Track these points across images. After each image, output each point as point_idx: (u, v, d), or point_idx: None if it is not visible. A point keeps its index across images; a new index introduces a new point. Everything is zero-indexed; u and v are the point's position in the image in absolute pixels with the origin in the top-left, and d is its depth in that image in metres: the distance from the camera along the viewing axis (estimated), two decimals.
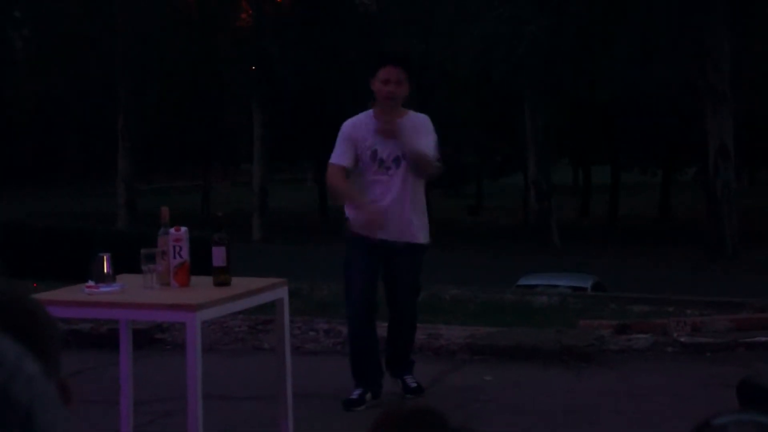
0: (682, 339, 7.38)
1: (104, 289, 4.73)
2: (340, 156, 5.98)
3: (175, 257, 4.84)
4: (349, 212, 6.05)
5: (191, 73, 42.71)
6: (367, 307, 6.05)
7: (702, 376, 6.62)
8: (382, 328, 6.23)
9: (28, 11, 42.55)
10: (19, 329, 1.34)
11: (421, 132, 5.98)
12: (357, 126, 6.03)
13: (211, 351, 6.90)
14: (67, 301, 4.63)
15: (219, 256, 4.92)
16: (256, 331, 7.72)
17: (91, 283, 4.76)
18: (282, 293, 5.13)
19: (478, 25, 34.99)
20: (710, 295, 17.38)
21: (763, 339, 7.28)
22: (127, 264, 5.14)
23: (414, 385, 6.13)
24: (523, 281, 21.30)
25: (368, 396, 6.01)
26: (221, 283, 4.89)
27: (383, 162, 5.93)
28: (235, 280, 4.97)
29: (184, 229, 4.91)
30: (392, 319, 6.22)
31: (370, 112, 6.08)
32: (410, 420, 1.52)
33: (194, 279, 4.90)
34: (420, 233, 6.11)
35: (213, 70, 43.26)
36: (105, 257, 4.79)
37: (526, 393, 6.35)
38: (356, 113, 6.19)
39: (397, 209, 5.94)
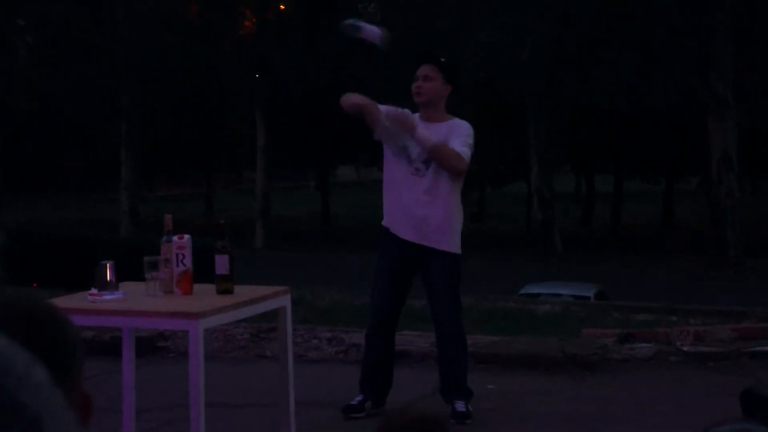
0: (685, 348, 7.37)
1: (107, 296, 4.73)
2: (383, 107, 5.91)
3: (178, 265, 4.84)
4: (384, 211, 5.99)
5: (194, 80, 42.72)
6: (382, 317, 5.99)
7: (705, 385, 6.61)
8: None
9: (31, 19, 42.61)
10: (37, 340, 1.34)
11: (453, 133, 5.89)
12: (402, 111, 5.93)
13: (214, 359, 6.90)
14: (70, 308, 4.63)
15: (222, 264, 4.92)
16: (259, 339, 7.72)
17: (94, 290, 4.77)
18: (285, 301, 5.13)
19: (481, 33, 35.03)
20: (713, 304, 17.36)
21: (767, 348, 7.27)
22: (130, 272, 5.15)
23: (461, 409, 5.84)
24: (526, 290, 21.29)
25: (368, 404, 5.98)
26: (224, 291, 4.89)
27: (412, 160, 5.86)
28: (237, 288, 4.97)
29: (187, 236, 4.91)
30: (437, 337, 6.08)
31: (417, 113, 6.02)
32: (411, 428, 1.52)
33: (197, 287, 4.91)
34: (449, 240, 5.94)
35: (216, 78, 43.28)
36: (108, 265, 4.80)
37: (530, 401, 6.35)
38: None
39: (424, 212, 5.84)
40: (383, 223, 6.03)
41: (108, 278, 4.77)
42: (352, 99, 5.90)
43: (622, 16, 33.28)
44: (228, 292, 4.90)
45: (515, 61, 33.39)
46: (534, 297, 18.87)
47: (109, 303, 4.70)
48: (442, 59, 6.14)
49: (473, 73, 38.07)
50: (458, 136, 5.86)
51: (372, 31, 5.91)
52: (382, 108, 5.85)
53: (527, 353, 7.20)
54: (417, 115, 5.99)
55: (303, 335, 7.45)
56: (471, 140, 5.93)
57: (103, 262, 4.81)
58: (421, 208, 5.83)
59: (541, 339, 8.03)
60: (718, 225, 33.06)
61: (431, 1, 39.82)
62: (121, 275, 4.86)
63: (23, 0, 39.08)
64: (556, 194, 37.31)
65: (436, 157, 5.79)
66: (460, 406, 5.85)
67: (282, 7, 41.91)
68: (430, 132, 5.85)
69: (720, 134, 32.86)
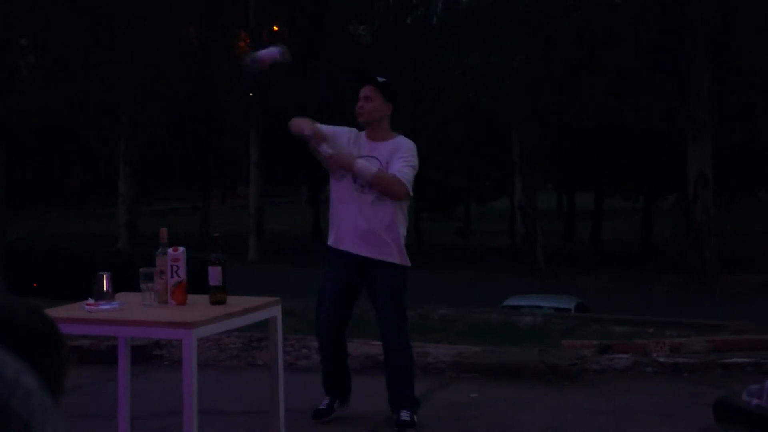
0: (662, 359, 7.38)
1: (104, 306, 4.72)
2: (327, 128, 5.94)
3: (172, 276, 4.84)
4: (330, 229, 5.97)
5: (191, 99, 42.76)
6: (330, 327, 5.96)
7: (680, 395, 6.62)
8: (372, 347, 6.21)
9: (33, 38, 42.60)
10: (23, 346, 1.34)
11: (396, 153, 5.83)
12: (347, 133, 5.94)
13: (207, 367, 6.88)
14: (68, 318, 4.62)
15: (215, 275, 4.92)
16: (251, 348, 7.71)
17: (91, 300, 4.76)
18: (276, 312, 5.13)
19: (468, 57, 35.16)
20: (689, 317, 17.41)
21: (740, 360, 7.28)
22: (126, 283, 5.14)
23: (406, 418, 5.78)
24: (508, 302, 21.30)
25: (336, 404, 6.01)
26: (217, 302, 4.89)
27: (356, 178, 5.81)
28: (230, 298, 4.97)
29: (181, 249, 4.90)
30: (384, 348, 6.01)
31: (363, 132, 6.00)
32: None
33: (191, 297, 4.90)
34: (394, 253, 5.85)
35: (212, 97, 43.32)
36: (105, 276, 4.79)
37: (511, 410, 6.34)
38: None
39: (368, 226, 5.79)
40: (328, 243, 5.96)
41: (105, 289, 4.77)
42: (298, 125, 5.87)
43: (604, 41, 33.42)
44: (221, 302, 4.89)
45: (501, 84, 33.51)
46: (516, 309, 18.90)
47: (105, 313, 4.69)
48: (381, 79, 6.05)
49: (460, 94, 38.26)
50: (400, 158, 5.80)
51: (268, 52, 5.84)
52: (323, 147, 5.81)
53: (509, 363, 7.20)
54: (363, 133, 5.95)
55: (293, 345, 7.43)
56: (414, 159, 5.86)
57: (101, 273, 4.81)
58: (366, 221, 5.78)
59: (523, 349, 8.03)
60: (695, 241, 33.17)
61: (420, 24, 39.97)
62: (117, 286, 4.85)
63: (26, 20, 39.06)
64: (538, 211, 37.38)
65: (378, 188, 5.74)
66: (404, 415, 5.80)
67: (275, 28, 41.97)
68: (374, 151, 5.82)
69: (697, 154, 33.01)
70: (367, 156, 5.85)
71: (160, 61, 41.29)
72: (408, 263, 5.93)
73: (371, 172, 5.74)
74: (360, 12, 41.41)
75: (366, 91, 5.93)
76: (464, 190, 46.80)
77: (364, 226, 5.79)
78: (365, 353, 7.41)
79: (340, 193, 5.89)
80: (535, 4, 33.14)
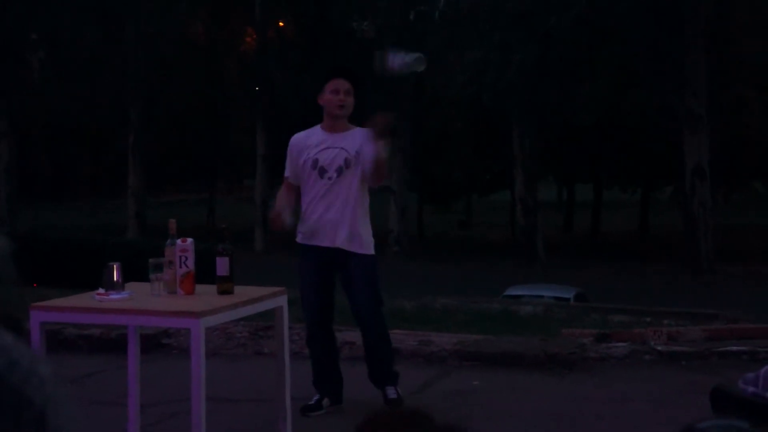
0: (659, 348, 7.38)
1: (114, 296, 4.73)
2: (287, 169, 5.93)
3: (181, 267, 4.84)
4: (299, 226, 5.92)
5: (198, 94, 42.75)
6: (317, 318, 5.96)
7: (677, 382, 6.62)
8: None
9: (44, 34, 42.59)
10: None
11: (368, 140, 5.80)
12: (302, 139, 5.91)
13: (215, 355, 6.89)
14: (79, 307, 4.63)
15: (223, 266, 4.93)
16: (257, 336, 7.71)
17: (101, 290, 4.76)
18: (282, 301, 5.13)
19: (469, 52, 35.10)
20: (686, 306, 17.40)
21: (735, 348, 7.28)
22: (136, 273, 5.15)
23: (393, 396, 5.89)
24: (509, 292, 21.28)
25: (325, 401, 5.96)
26: (224, 292, 4.89)
27: (325, 172, 5.77)
28: (237, 288, 4.97)
29: (190, 240, 4.91)
30: (362, 335, 6.05)
31: (318, 126, 5.95)
32: (398, 420, 1.51)
33: (199, 287, 4.90)
34: (365, 243, 5.85)
35: (219, 92, 43.29)
36: (115, 266, 4.79)
37: (512, 397, 6.35)
38: None
39: (339, 218, 5.76)
40: (299, 240, 5.91)
41: (115, 279, 4.77)
42: (275, 226, 5.79)
43: (603, 37, 33.37)
44: (228, 292, 4.90)
45: (501, 79, 33.44)
46: (517, 298, 18.89)
47: (115, 302, 4.69)
48: (354, 72, 6.04)
49: (462, 89, 38.19)
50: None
51: (400, 60, 5.67)
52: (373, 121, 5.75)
53: (510, 352, 7.20)
54: (318, 126, 5.92)
55: (299, 333, 7.42)
56: None
57: (111, 264, 4.81)
58: (336, 215, 5.75)
59: (523, 338, 8.03)
60: (691, 232, 33.15)
61: (421, 21, 39.89)
62: (127, 276, 4.86)
63: (36, 16, 39.03)
64: (538, 203, 37.34)
65: (378, 171, 5.71)
66: (391, 392, 5.89)
67: (281, 24, 41.92)
68: (338, 142, 5.78)
69: (694, 147, 32.97)
70: (331, 147, 5.80)
71: (168, 57, 41.26)
72: (374, 251, 5.94)
73: (383, 156, 5.69)
74: (363, 8, 41.32)
75: (347, 85, 5.88)
76: (465, 182, 46.77)
77: (334, 220, 5.77)
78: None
79: (310, 192, 5.82)
80: (534, 1, 33.08)
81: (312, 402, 5.95)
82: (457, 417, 6.01)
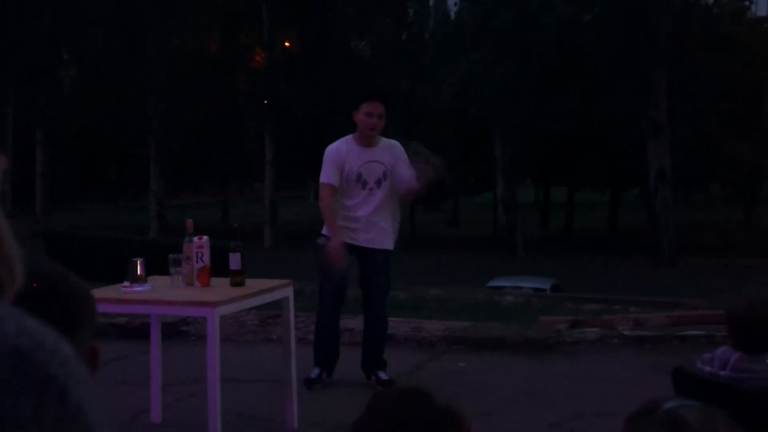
0: (626, 332, 7.38)
1: (137, 288, 4.73)
2: (330, 176, 5.87)
3: (197, 262, 4.84)
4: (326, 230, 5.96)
5: (213, 106, 42.70)
6: (336, 305, 6.01)
7: (643, 364, 6.62)
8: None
9: (74, 53, 42.55)
10: (51, 302, 1.35)
11: (402, 160, 5.86)
12: (341, 152, 5.91)
13: (228, 341, 6.88)
14: (106, 298, 4.63)
15: (235, 260, 4.93)
16: (266, 324, 7.71)
17: (126, 283, 4.76)
18: (288, 292, 5.13)
19: (456, 67, 35.10)
20: (651, 295, 17.41)
21: (694, 333, 7.29)
22: (157, 267, 5.14)
23: (385, 378, 5.91)
24: (492, 283, 21.31)
25: (324, 375, 6.01)
26: (237, 284, 4.89)
27: (366, 183, 5.86)
28: (248, 281, 4.98)
29: (205, 238, 4.91)
30: (369, 319, 6.06)
31: (349, 137, 5.96)
32: (402, 397, 1.52)
33: (214, 280, 4.91)
34: (391, 241, 6.00)
35: (231, 104, 43.25)
36: (138, 261, 4.80)
37: (495, 378, 6.35)
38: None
39: (375, 220, 5.88)
40: (327, 234, 5.91)
41: (138, 273, 4.77)
42: (337, 260, 5.78)
43: (575, 54, 33.39)
44: (240, 284, 4.90)
45: (484, 92, 33.46)
46: (499, 289, 18.89)
47: (139, 294, 4.69)
48: (389, 97, 6.16)
49: (449, 101, 38.21)
50: (406, 162, 5.84)
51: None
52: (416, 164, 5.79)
53: (493, 337, 7.20)
54: (351, 138, 5.94)
55: (304, 321, 7.42)
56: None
57: (135, 259, 4.81)
58: (372, 218, 5.86)
59: (505, 325, 8.03)
60: (655, 229, 33.21)
61: (413, 40, 39.90)
62: (149, 270, 4.86)
63: (68, 37, 39.00)
64: (518, 203, 37.36)
65: (409, 195, 5.98)
66: (383, 374, 5.95)
67: (287, 44, 41.90)
68: (375, 156, 5.87)
69: (657, 153, 33.01)
70: (371, 161, 5.87)
71: (186, 73, 41.22)
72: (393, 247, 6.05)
73: (419, 186, 5.81)
74: (361, 28, 41.30)
75: (381, 108, 5.88)
76: (453, 185, 46.77)
77: (375, 222, 5.89)
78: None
79: (352, 198, 5.90)
80: (514, 22, 33.08)
81: (313, 376, 5.97)
82: (446, 395, 6.00)
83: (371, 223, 5.87)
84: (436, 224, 47.35)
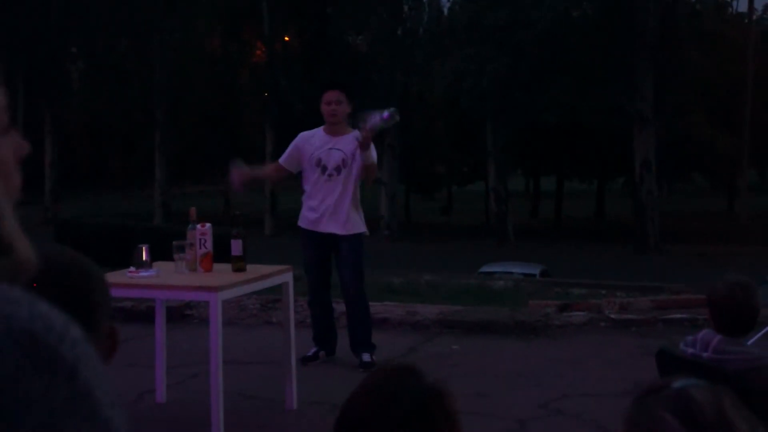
0: (613, 316, 7.40)
1: (143, 273, 4.73)
2: (283, 157, 6.10)
3: (201, 248, 4.85)
4: (301, 211, 6.04)
5: (215, 99, 42.63)
6: (320, 287, 6.07)
7: (628, 346, 6.64)
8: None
9: (82, 48, 42.45)
10: (69, 285, 1.35)
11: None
12: (306, 138, 6.01)
13: (230, 324, 6.89)
14: (114, 283, 4.62)
15: (237, 247, 4.93)
16: (267, 308, 7.71)
17: (132, 269, 4.76)
18: (288, 278, 5.14)
19: (449, 62, 35.04)
20: (636, 281, 17.43)
21: (678, 316, 7.31)
22: (162, 253, 5.14)
23: (367, 360, 5.90)
24: (484, 269, 21.30)
25: (322, 353, 6.07)
26: (238, 270, 4.90)
27: (326, 169, 5.89)
28: (249, 267, 4.98)
29: (208, 225, 4.92)
30: (346, 303, 6.11)
31: (322, 126, 6.04)
32: (392, 374, 1.53)
33: (216, 266, 4.91)
34: (358, 224, 5.97)
35: (232, 97, 43.18)
36: (144, 248, 4.79)
37: (486, 359, 6.36)
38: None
39: (337, 207, 5.88)
40: (301, 224, 6.05)
41: (144, 258, 4.77)
42: (236, 181, 6.05)
43: (564, 49, 33.35)
44: (241, 270, 4.91)
45: (477, 85, 33.41)
46: (490, 275, 18.89)
47: (144, 279, 4.69)
48: (343, 83, 6.15)
49: (442, 94, 38.17)
50: (373, 149, 5.87)
51: (372, 119, 5.69)
52: (367, 121, 5.78)
53: (485, 320, 7.21)
54: (321, 129, 5.99)
55: (303, 305, 7.43)
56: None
57: (140, 246, 4.81)
58: (332, 205, 5.87)
59: (496, 308, 8.04)
60: (640, 217, 33.24)
61: (408, 35, 39.81)
62: (154, 256, 4.86)
63: (76, 32, 38.89)
64: (509, 192, 37.36)
65: (368, 172, 5.87)
66: (365, 356, 5.93)
67: (287, 38, 41.80)
68: (338, 144, 5.88)
69: (642, 144, 33.01)
70: (332, 148, 5.90)
71: (189, 67, 41.15)
72: (364, 229, 6.05)
73: (373, 160, 5.85)
74: (357, 25, 41.21)
75: (336, 95, 5.95)
76: (446, 175, 46.75)
77: (333, 208, 5.88)
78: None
79: (313, 184, 5.94)
80: (505, 18, 33.02)
81: (310, 354, 6.04)
82: (439, 376, 6.02)
83: (332, 212, 5.88)
84: (430, 213, 47.36)
